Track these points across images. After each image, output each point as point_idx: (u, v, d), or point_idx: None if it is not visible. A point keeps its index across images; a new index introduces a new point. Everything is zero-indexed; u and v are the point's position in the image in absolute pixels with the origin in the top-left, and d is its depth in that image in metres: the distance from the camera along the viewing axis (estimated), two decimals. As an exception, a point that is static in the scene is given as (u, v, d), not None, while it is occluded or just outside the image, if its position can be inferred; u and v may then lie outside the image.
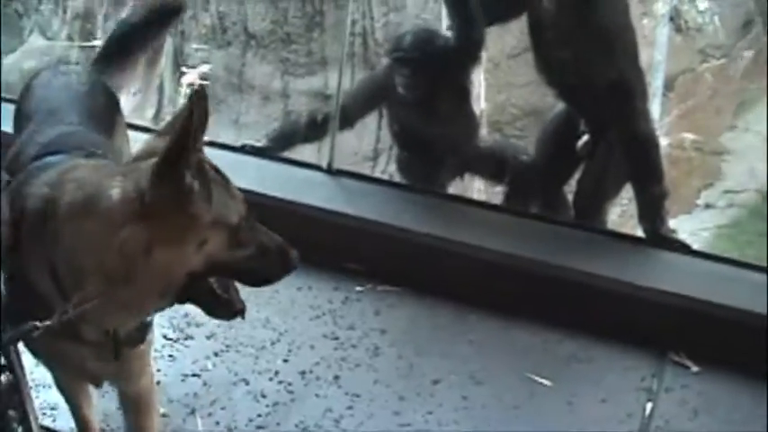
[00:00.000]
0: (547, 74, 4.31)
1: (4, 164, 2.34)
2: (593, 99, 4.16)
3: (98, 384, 2.44)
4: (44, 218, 1.99)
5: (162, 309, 2.12)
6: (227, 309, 2.10)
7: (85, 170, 2.07)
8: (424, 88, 4.29)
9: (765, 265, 3.86)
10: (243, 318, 2.14)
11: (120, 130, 2.76)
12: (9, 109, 2.68)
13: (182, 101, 9.64)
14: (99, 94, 2.74)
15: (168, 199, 1.87)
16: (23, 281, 2.03)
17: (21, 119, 2.59)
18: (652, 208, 4.10)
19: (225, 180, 2.02)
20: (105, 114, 2.69)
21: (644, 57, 8.87)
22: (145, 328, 2.25)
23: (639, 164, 4.12)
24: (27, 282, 2.03)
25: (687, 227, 7.83)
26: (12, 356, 2.14)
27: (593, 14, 3.95)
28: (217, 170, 2.01)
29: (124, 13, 10.50)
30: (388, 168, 6.53)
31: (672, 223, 6.19)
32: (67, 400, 2.60)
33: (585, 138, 4.36)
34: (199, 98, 1.86)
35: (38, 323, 1.95)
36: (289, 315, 3.65)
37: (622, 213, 6.63)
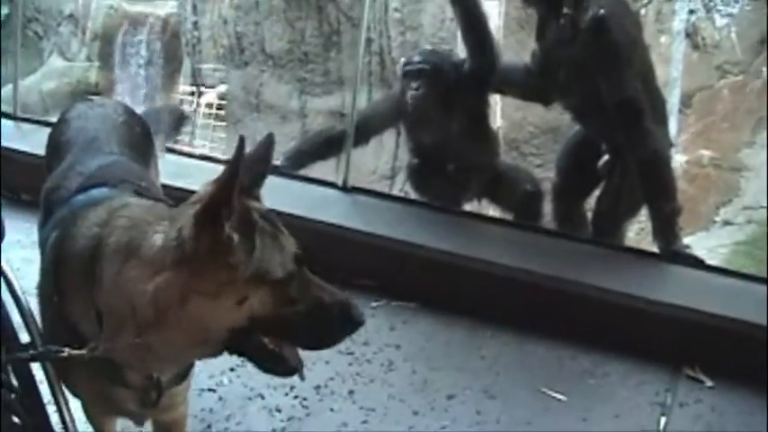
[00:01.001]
0: (560, 98, 4.37)
1: (42, 198, 2.34)
2: (605, 120, 4.20)
3: (141, 424, 2.40)
4: (92, 259, 1.94)
5: (209, 357, 2.01)
6: (280, 366, 1.96)
7: (135, 211, 2.00)
8: (431, 102, 4.34)
9: (780, 279, 3.86)
10: (301, 378, 2.00)
11: (154, 160, 2.76)
12: (27, 129, 2.74)
13: (200, 121, 9.72)
14: (135, 124, 2.73)
15: (206, 249, 1.80)
16: (65, 321, 2.00)
17: (55, 151, 2.55)
18: (665, 224, 4.12)
19: (276, 231, 1.90)
20: (142, 145, 2.68)
21: (661, 74, 8.90)
22: (188, 368, 2.21)
23: (651, 182, 4.16)
24: (69, 322, 1.99)
25: (705, 244, 7.80)
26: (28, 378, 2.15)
27: (602, 41, 4.01)
28: (269, 219, 1.91)
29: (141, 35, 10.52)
30: (405, 187, 6.54)
31: (690, 240, 6.19)
32: (94, 426, 2.55)
33: (606, 157, 4.39)
34: (241, 147, 1.80)
35: (55, 349, 1.94)
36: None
37: (640, 231, 6.63)
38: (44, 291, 2.10)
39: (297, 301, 1.88)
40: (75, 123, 2.63)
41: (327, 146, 4.63)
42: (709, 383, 3.49)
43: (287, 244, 1.90)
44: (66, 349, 1.93)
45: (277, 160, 4.55)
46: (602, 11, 4.00)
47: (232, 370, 3.40)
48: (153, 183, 2.50)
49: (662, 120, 4.40)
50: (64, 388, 2.23)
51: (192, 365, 2.24)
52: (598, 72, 4.09)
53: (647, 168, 4.13)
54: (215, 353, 1.94)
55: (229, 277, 1.81)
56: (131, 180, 2.28)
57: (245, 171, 1.85)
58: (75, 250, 1.99)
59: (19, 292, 2.29)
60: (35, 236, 2.32)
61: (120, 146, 2.52)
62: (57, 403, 2.21)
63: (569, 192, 4.62)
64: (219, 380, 3.36)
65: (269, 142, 2.07)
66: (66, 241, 2.03)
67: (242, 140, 1.79)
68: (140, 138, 2.71)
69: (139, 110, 2.97)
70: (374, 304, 3.83)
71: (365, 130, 4.54)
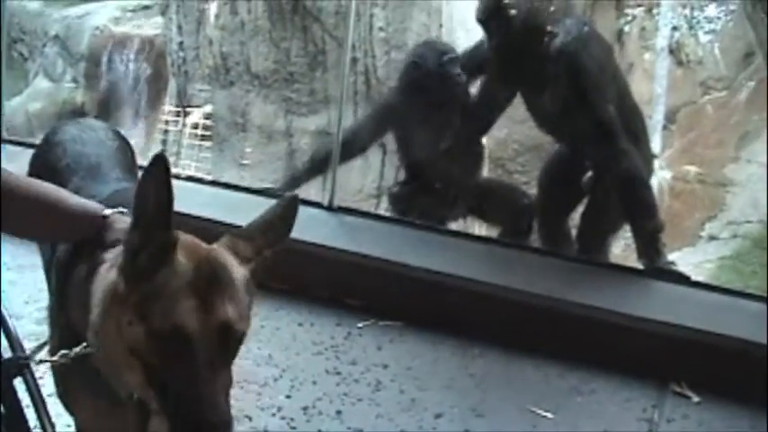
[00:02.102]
0: (539, 121, 4.44)
1: None
2: (583, 142, 4.26)
3: None
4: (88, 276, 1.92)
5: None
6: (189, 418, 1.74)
7: None
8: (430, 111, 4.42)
9: (765, 295, 3.88)
10: None
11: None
12: (13, 151, 2.72)
13: (186, 141, 9.72)
14: (127, 148, 2.73)
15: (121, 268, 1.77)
16: (73, 336, 1.98)
17: (52, 175, 2.43)
18: (648, 242, 4.18)
19: (202, 294, 1.71)
20: (134, 169, 2.68)
21: (645, 90, 8.96)
22: None
23: (629, 201, 4.23)
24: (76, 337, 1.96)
25: (691, 259, 7.82)
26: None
27: (570, 71, 4.10)
28: (211, 282, 1.74)
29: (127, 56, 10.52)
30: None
31: (676, 256, 6.20)
32: None
33: (589, 173, 4.43)
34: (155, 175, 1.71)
35: (24, 356, 1.94)
36: (291, 351, 3.66)
37: (626, 247, 6.65)
38: (52, 311, 2.12)
39: (158, 367, 1.71)
40: (71, 147, 2.59)
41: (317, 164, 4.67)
42: (695, 399, 3.51)
43: (199, 314, 1.71)
44: (38, 356, 1.95)
45: (267, 182, 4.58)
46: (568, 40, 4.10)
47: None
48: None
49: (641, 137, 4.46)
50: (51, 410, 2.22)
51: None
52: (569, 100, 4.20)
53: (624, 188, 4.21)
54: (140, 381, 1.78)
55: (123, 299, 1.75)
56: None
57: (268, 228, 1.88)
58: (83, 272, 1.97)
59: (5, 313, 2.29)
60: (21, 259, 2.32)
61: (122, 171, 2.51)
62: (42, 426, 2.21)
63: (553, 208, 4.64)
64: (207, 402, 3.35)
65: (293, 204, 1.96)
66: (78, 263, 2.01)
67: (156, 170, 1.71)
68: (132, 162, 2.71)
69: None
70: (361, 324, 3.83)
71: (355, 142, 4.58)
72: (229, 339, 1.77)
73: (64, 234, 2.05)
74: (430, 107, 4.49)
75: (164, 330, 1.68)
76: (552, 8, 4.32)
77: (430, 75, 4.46)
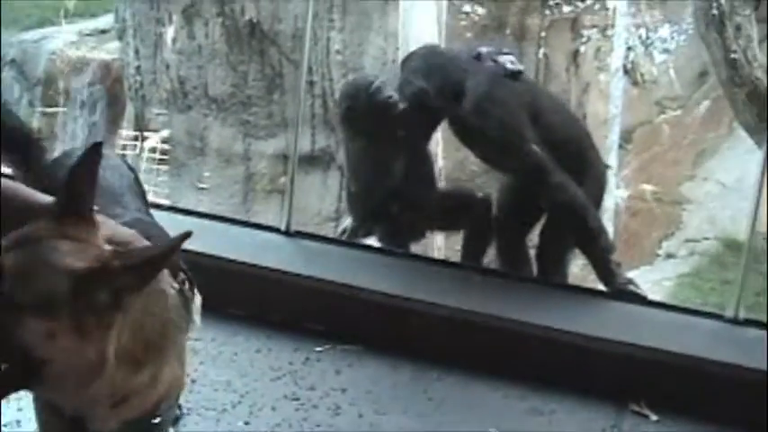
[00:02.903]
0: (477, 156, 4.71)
1: None
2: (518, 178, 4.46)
3: None
4: None
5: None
6: None
7: None
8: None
9: (721, 312, 3.92)
10: None
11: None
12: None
13: (144, 166, 9.66)
14: (138, 181, 2.73)
15: None
16: None
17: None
18: (600, 265, 4.24)
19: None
20: (146, 200, 2.71)
21: (600, 110, 9.03)
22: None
23: (574, 231, 4.31)
24: None
25: (650, 277, 7.90)
26: None
27: (485, 126, 4.24)
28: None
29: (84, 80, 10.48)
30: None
31: (634, 274, 6.25)
32: None
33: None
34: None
35: None
36: (249, 377, 3.63)
37: (583, 267, 6.69)
38: None
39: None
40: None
41: None
42: (654, 418, 3.51)
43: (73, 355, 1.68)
44: None
45: (225, 206, 4.57)
46: (474, 98, 4.23)
47: (178, 419, 3.36)
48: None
49: (590, 159, 4.55)
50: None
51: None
52: (488, 150, 4.42)
53: (566, 220, 4.28)
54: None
55: None
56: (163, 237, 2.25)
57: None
58: None
59: None
60: None
61: (142, 204, 2.54)
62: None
63: (511, 227, 4.67)
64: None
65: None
66: None
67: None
68: (144, 194, 2.72)
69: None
70: (319, 348, 3.81)
71: None
72: None
73: None
74: (376, 140, 4.49)
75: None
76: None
77: (365, 111, 4.46)
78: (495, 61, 4.36)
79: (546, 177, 4.20)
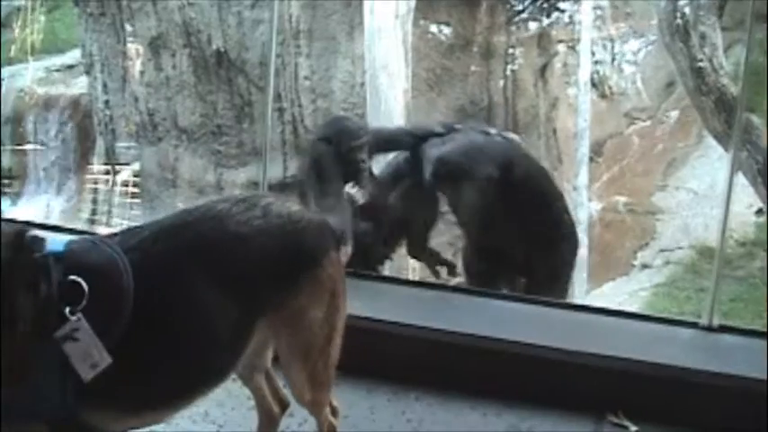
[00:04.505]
0: None
1: None
2: None
3: None
4: None
5: None
6: None
7: None
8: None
9: (696, 321, 3.94)
10: None
11: None
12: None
13: (117, 200, 9.64)
14: None
15: None
16: None
17: None
18: None
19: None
20: None
21: (569, 125, 9.07)
22: None
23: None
24: None
25: (626, 288, 7.94)
26: None
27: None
28: None
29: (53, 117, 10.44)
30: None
31: (610, 285, 6.29)
32: None
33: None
34: None
35: None
36: (227, 407, 3.61)
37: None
38: None
39: None
40: None
41: None
42: (633, 428, 3.52)
43: None
44: None
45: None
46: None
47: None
48: None
49: (561, 219, 4.84)
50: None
51: None
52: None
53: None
54: None
55: None
56: None
57: None
58: None
59: None
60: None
61: None
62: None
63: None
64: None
65: None
66: None
67: None
68: None
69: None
70: (295, 375, 3.79)
71: None
72: None
73: None
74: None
75: None
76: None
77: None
78: None
79: (511, 261, 4.62)
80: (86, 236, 2.49)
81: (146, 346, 2.27)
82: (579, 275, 6.32)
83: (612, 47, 10.38)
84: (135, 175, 9.38)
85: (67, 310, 2.14)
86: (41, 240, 2.27)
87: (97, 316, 2.16)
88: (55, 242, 2.29)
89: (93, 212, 10.02)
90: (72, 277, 2.17)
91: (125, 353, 2.20)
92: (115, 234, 2.44)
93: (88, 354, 2.13)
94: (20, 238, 2.22)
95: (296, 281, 2.54)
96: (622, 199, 9.23)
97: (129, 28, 9.22)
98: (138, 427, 2.53)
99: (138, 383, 2.30)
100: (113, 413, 2.29)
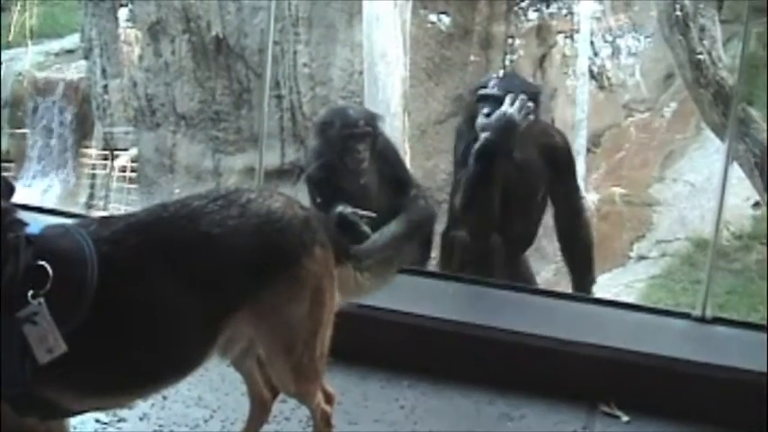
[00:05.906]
0: None
1: None
2: None
3: None
4: None
5: None
6: None
7: None
8: None
9: (689, 312, 3.94)
10: None
11: None
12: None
13: (114, 185, 9.63)
14: None
15: None
16: None
17: None
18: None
19: None
20: None
21: (567, 116, 9.07)
22: None
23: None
24: None
25: (622, 279, 7.93)
26: None
27: None
28: None
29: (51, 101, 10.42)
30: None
31: (607, 276, 6.29)
32: None
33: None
34: None
35: None
36: (221, 392, 3.61)
37: (557, 271, 6.72)
38: None
39: None
40: None
41: None
42: (625, 419, 3.53)
43: None
44: None
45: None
46: None
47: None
48: None
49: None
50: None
51: None
52: None
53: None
54: None
55: None
56: None
57: None
58: None
59: None
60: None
61: None
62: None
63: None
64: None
65: None
66: None
67: None
68: None
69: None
70: (289, 361, 3.80)
71: None
72: None
73: None
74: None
75: None
76: None
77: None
78: None
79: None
80: (64, 222, 2.50)
81: (105, 335, 2.30)
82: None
83: (612, 38, 10.36)
84: (133, 161, 9.39)
85: (30, 293, 2.16)
86: (19, 222, 2.30)
87: (58, 302, 2.19)
88: (35, 226, 2.34)
89: (91, 197, 10.02)
90: (40, 262, 2.19)
91: (84, 340, 2.23)
92: (92, 222, 2.47)
93: (45, 338, 2.16)
94: None
95: (273, 279, 2.55)
96: (619, 190, 9.22)
97: (127, 13, 9.22)
98: (102, 408, 2.56)
99: (96, 371, 2.33)
100: (71, 394, 2.33)
